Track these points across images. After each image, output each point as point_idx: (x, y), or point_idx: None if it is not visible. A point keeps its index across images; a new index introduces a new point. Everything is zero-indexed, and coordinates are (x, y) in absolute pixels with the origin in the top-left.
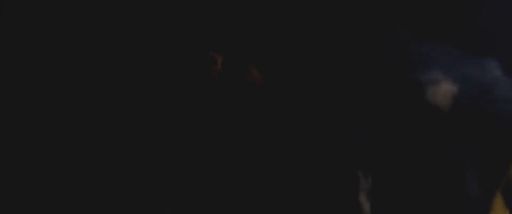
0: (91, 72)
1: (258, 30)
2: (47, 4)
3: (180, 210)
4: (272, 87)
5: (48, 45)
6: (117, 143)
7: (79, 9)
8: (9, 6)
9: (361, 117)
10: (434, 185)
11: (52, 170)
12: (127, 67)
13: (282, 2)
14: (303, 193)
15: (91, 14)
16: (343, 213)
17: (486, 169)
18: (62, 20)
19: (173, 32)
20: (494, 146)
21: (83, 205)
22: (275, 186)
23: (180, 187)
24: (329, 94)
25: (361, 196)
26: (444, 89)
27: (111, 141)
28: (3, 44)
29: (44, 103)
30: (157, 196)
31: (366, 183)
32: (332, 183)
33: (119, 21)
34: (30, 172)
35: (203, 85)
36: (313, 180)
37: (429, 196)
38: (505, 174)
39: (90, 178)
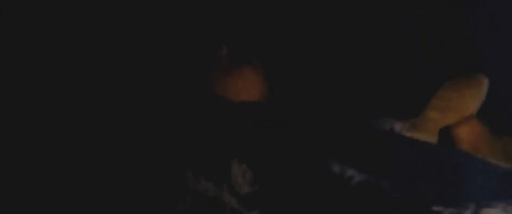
0: (91, 70)
1: (262, 26)
2: (47, 4)
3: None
4: (274, 80)
5: (48, 45)
6: (117, 141)
7: (79, 9)
8: (9, 6)
9: (361, 117)
10: None
11: (52, 170)
12: (128, 63)
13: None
14: (301, 192)
15: (91, 12)
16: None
17: None
18: (62, 20)
19: (177, 26)
20: None
21: (83, 205)
22: (272, 182)
23: (182, 183)
24: (330, 93)
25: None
26: None
27: (112, 140)
28: (3, 44)
29: (44, 103)
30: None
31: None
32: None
33: (119, 18)
34: (29, 172)
35: (207, 76)
36: (309, 179)
37: None
38: None
39: (89, 178)
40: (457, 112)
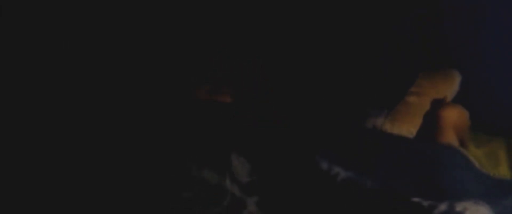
0: (90, 72)
1: (262, 29)
2: (47, 4)
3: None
4: (275, 83)
5: (48, 45)
6: (116, 142)
7: (79, 9)
8: (9, 6)
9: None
10: None
11: (52, 170)
12: (127, 67)
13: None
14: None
15: (91, 14)
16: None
17: None
18: (62, 20)
19: (177, 30)
20: None
21: (83, 205)
22: (268, 174)
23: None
24: (329, 93)
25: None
26: None
27: (111, 140)
28: (3, 44)
29: (44, 103)
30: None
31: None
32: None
33: (119, 21)
34: (30, 172)
35: (208, 81)
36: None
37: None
38: None
39: (89, 178)
40: (431, 96)
